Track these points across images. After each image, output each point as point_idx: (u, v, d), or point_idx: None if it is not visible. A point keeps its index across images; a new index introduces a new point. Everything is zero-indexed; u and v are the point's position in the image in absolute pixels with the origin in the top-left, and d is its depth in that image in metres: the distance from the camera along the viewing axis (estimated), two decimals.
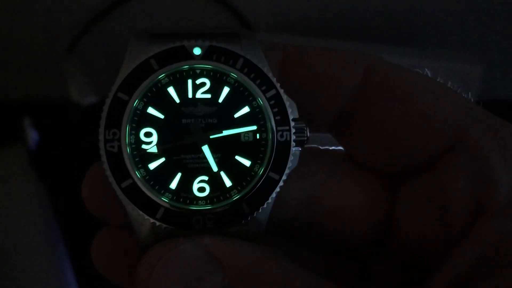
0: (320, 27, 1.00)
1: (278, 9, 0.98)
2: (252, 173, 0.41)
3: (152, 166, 0.40)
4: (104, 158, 0.39)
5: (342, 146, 0.47)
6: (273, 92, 0.41)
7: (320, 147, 0.47)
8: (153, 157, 0.40)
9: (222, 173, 0.41)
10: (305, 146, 0.42)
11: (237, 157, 0.41)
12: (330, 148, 0.48)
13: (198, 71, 0.41)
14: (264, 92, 0.41)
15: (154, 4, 0.95)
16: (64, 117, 0.92)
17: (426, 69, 0.44)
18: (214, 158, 0.41)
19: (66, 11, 0.96)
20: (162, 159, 0.40)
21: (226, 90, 0.41)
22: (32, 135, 0.83)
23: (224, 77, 0.41)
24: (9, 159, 0.87)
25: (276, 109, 0.41)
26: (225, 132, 0.41)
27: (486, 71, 0.90)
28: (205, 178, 0.41)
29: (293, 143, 0.41)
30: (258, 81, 0.41)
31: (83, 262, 0.80)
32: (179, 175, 0.40)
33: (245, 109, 0.41)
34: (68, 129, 0.89)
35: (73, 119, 0.91)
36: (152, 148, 0.40)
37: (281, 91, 0.41)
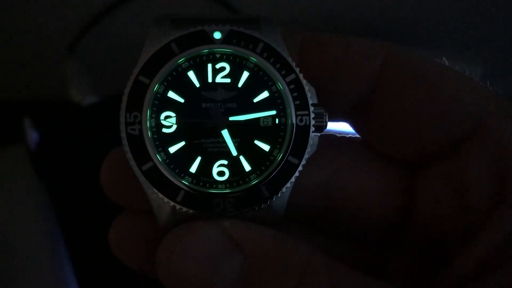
0: (320, 27, 1.00)
1: (278, 9, 0.98)
2: (271, 157, 0.41)
3: (172, 149, 0.40)
4: (125, 141, 0.39)
5: (359, 134, 0.47)
6: (292, 76, 0.41)
7: (337, 134, 0.47)
8: (173, 140, 0.40)
9: (242, 158, 0.41)
10: (322, 133, 0.42)
11: (256, 142, 0.41)
12: (347, 135, 0.48)
13: (218, 56, 0.41)
14: (283, 77, 0.41)
15: (154, 4, 0.95)
16: (64, 117, 0.92)
17: (443, 58, 0.45)
18: (234, 143, 0.41)
19: (66, 11, 0.96)
20: (182, 143, 0.41)
21: (245, 74, 0.41)
22: (32, 135, 0.83)
23: (244, 62, 0.41)
24: (9, 159, 0.87)
25: (295, 94, 0.41)
26: (245, 117, 0.41)
27: (486, 71, 0.90)
28: (225, 162, 0.41)
29: (312, 128, 0.41)
30: (277, 66, 0.41)
31: (83, 262, 0.80)
32: (199, 159, 0.41)
33: (265, 94, 0.41)
34: (68, 129, 0.89)
35: (73, 119, 0.91)
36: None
37: (301, 75, 0.41)
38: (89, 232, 0.82)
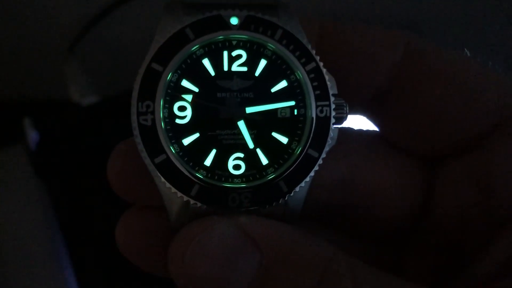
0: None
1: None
2: (290, 150, 0.39)
3: (186, 141, 0.39)
4: (136, 132, 0.37)
5: (377, 127, 0.45)
6: (312, 65, 0.39)
7: (354, 128, 0.46)
8: (187, 132, 0.39)
9: (258, 150, 0.39)
10: (339, 126, 0.40)
11: (274, 134, 0.39)
12: (364, 129, 0.46)
13: (234, 43, 0.39)
14: (303, 65, 0.39)
15: (154, 4, 0.95)
16: (64, 117, 0.92)
17: (465, 49, 0.43)
18: (250, 135, 0.39)
19: (66, 11, 0.95)
20: (197, 135, 0.39)
21: (263, 63, 0.40)
22: (32, 135, 0.83)
23: (261, 49, 0.39)
24: (9, 159, 0.87)
25: (315, 83, 0.39)
26: (262, 108, 0.39)
27: None
28: (241, 155, 0.39)
29: (332, 120, 0.39)
30: (297, 53, 0.39)
31: (83, 262, 0.80)
32: (214, 151, 0.39)
33: (283, 83, 0.40)
34: (68, 129, 0.89)
35: (73, 119, 0.91)
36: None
37: (321, 64, 0.39)
38: (89, 232, 0.82)
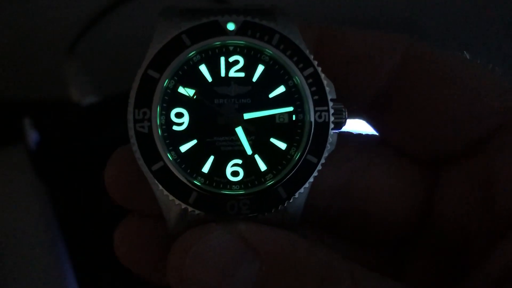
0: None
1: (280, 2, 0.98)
2: (288, 156, 0.39)
3: (184, 148, 0.38)
4: (133, 139, 0.37)
5: (377, 131, 0.45)
6: (310, 70, 0.39)
7: (353, 132, 0.45)
8: (184, 138, 0.38)
9: (257, 157, 0.39)
10: (338, 131, 0.40)
11: (272, 140, 0.39)
12: (364, 133, 0.46)
13: (231, 48, 0.39)
14: (301, 70, 0.39)
15: (154, 4, 0.95)
16: (64, 117, 0.92)
17: (464, 51, 0.43)
18: (248, 141, 0.39)
19: (66, 11, 0.95)
20: (194, 141, 0.39)
21: (260, 68, 0.39)
22: (32, 135, 0.83)
23: (259, 55, 0.39)
24: (9, 159, 0.87)
25: (314, 89, 0.39)
26: (260, 113, 0.39)
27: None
28: (239, 161, 0.39)
29: (331, 125, 0.39)
30: (295, 59, 0.39)
31: (83, 262, 0.80)
32: (211, 158, 0.39)
33: (281, 89, 0.39)
34: (68, 129, 0.89)
35: (73, 119, 0.91)
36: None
37: (319, 69, 0.39)
38: (89, 232, 0.82)
